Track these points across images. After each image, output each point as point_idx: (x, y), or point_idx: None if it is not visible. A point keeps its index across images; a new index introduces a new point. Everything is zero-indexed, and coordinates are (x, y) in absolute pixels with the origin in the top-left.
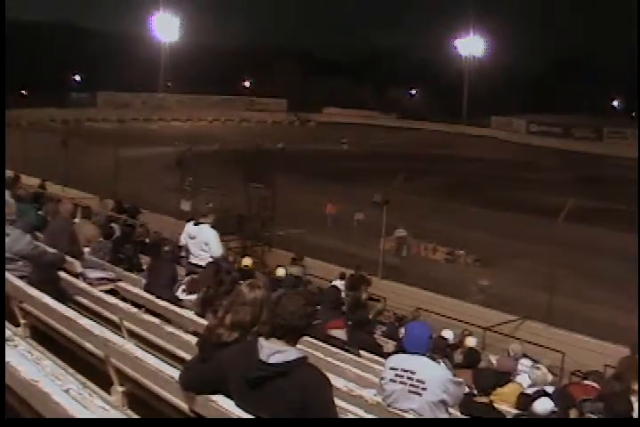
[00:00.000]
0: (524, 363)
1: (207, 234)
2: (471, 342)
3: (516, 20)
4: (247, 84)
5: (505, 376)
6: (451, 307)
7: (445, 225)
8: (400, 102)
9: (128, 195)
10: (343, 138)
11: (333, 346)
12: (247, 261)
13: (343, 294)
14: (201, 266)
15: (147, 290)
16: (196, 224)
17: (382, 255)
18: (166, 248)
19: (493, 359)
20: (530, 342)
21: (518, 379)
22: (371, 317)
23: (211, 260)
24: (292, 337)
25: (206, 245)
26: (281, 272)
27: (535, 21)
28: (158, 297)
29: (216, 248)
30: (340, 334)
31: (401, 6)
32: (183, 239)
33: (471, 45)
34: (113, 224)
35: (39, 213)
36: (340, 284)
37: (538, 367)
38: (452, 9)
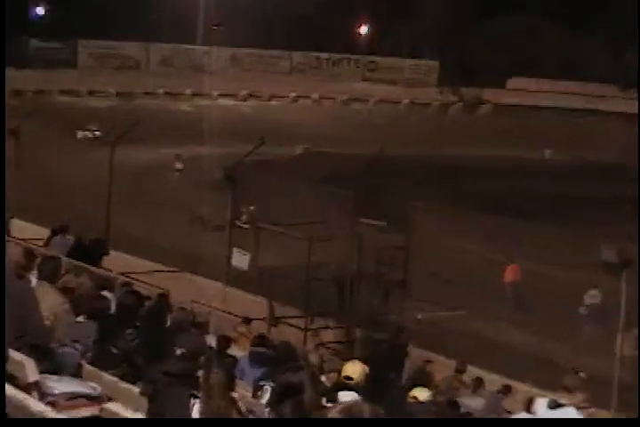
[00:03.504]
0: None
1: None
2: None
3: None
4: (362, 30)
5: None
6: None
7: None
8: None
9: (130, 235)
10: (545, 137)
11: None
12: (353, 370)
13: None
14: None
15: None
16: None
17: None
18: (179, 351)
19: None
20: None
21: None
22: None
23: None
24: None
25: None
26: (422, 395)
27: None
28: None
29: None
30: None
31: None
32: None
33: None
34: (105, 291)
35: None
36: None
37: None
38: None
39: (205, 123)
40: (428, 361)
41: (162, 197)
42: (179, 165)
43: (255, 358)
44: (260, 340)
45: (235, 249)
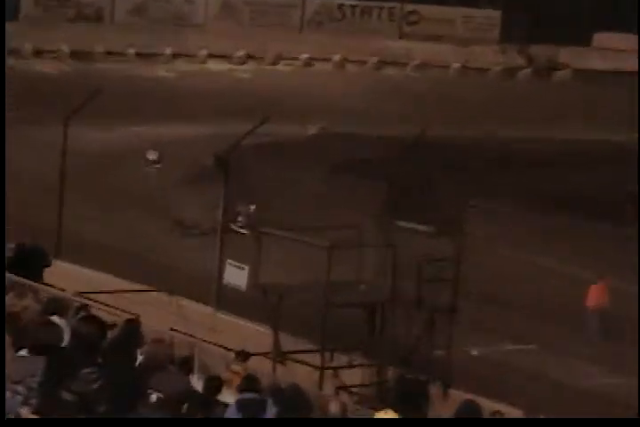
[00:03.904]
0: None
1: None
2: None
3: None
4: None
5: None
6: None
7: None
8: None
9: (88, 242)
10: None
11: None
12: None
13: None
14: None
15: None
16: None
17: None
18: (154, 396)
19: None
20: None
21: None
22: None
23: None
24: None
25: None
26: None
27: None
28: None
29: None
30: None
31: None
32: None
33: None
34: (55, 317)
35: None
36: None
37: None
38: None
39: (190, 94)
40: (497, 412)
41: (131, 191)
42: (152, 156)
43: (245, 408)
44: (250, 382)
45: (229, 261)
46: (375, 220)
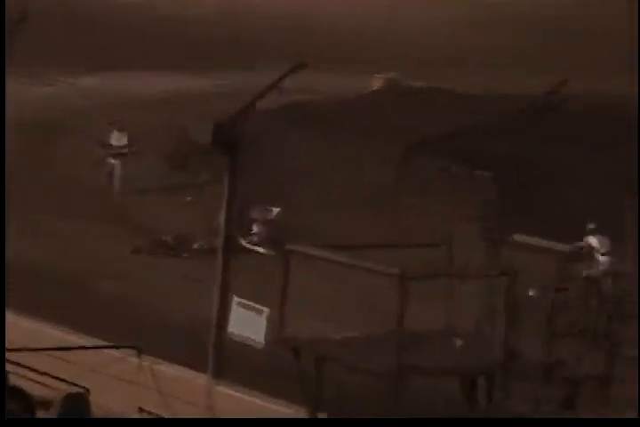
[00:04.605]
0: None
1: None
2: None
3: None
4: None
5: None
6: None
7: None
8: None
9: (16, 270)
10: None
11: None
12: None
13: None
14: None
15: None
16: None
17: None
18: None
19: None
20: None
21: None
22: None
23: None
24: None
25: None
26: None
27: None
28: None
29: None
30: None
31: None
32: None
33: None
34: None
35: None
36: None
37: None
38: None
39: (168, 23)
40: None
41: (81, 187)
42: (119, 141)
43: None
44: None
45: (236, 300)
46: (476, 231)
